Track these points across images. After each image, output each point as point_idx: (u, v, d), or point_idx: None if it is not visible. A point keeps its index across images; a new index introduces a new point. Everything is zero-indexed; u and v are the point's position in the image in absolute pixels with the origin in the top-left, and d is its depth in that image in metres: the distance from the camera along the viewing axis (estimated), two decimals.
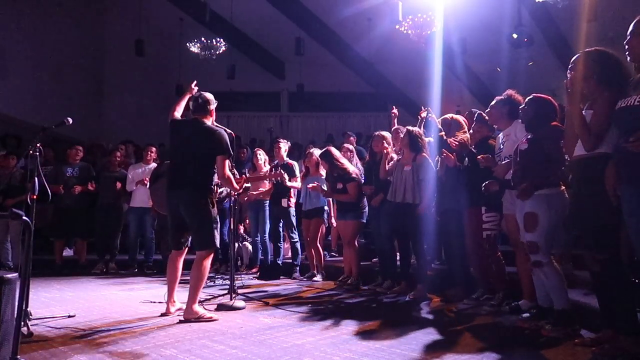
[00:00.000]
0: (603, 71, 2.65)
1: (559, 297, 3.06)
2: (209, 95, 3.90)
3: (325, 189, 5.53)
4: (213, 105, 3.87)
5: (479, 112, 4.39)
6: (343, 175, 5.32)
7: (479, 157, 3.83)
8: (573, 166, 2.87)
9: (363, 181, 5.46)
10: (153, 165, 6.76)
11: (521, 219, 3.24)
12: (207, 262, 3.66)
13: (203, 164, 3.67)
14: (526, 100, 3.36)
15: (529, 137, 3.24)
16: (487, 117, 4.14)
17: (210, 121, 3.84)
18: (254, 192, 6.21)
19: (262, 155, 6.35)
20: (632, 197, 2.38)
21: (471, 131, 4.38)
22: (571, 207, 2.96)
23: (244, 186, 5.92)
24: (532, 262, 3.12)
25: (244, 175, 4.25)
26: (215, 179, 3.78)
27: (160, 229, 6.69)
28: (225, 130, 4.24)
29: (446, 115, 4.69)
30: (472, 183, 4.00)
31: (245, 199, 6.32)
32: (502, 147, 3.84)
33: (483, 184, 3.58)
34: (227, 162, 3.71)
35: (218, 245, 3.73)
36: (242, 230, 7.13)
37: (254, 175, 4.46)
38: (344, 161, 5.48)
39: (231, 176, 3.79)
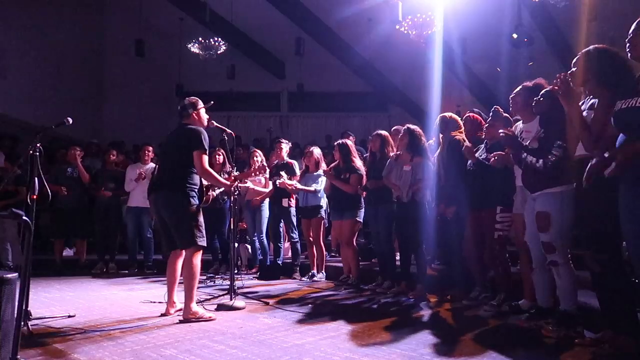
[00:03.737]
0: (602, 71, 2.64)
1: (567, 299, 3.03)
2: (191, 100, 3.90)
3: (322, 186, 5.58)
4: (193, 109, 3.83)
5: (496, 107, 4.14)
6: (351, 167, 5.40)
7: (491, 156, 3.60)
8: (575, 166, 2.86)
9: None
10: (151, 165, 6.75)
11: (530, 218, 3.22)
12: (196, 260, 3.64)
13: (179, 164, 3.67)
14: (542, 92, 3.19)
15: (541, 135, 3.17)
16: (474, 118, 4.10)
17: (194, 123, 3.81)
18: (255, 193, 6.22)
19: (259, 157, 6.34)
20: (634, 198, 2.37)
21: (486, 126, 4.16)
22: None
23: (244, 186, 5.94)
24: (549, 262, 3.07)
25: (232, 176, 4.23)
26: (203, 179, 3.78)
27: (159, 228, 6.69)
28: (225, 130, 4.25)
29: (445, 114, 4.65)
30: (485, 183, 3.94)
31: (250, 199, 6.36)
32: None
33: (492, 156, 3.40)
34: (205, 157, 3.67)
35: (204, 244, 3.69)
36: (244, 226, 7.09)
37: (241, 174, 4.47)
38: (356, 157, 5.57)
39: (212, 170, 3.76)
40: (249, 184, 6.22)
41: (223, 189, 5.76)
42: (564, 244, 3.02)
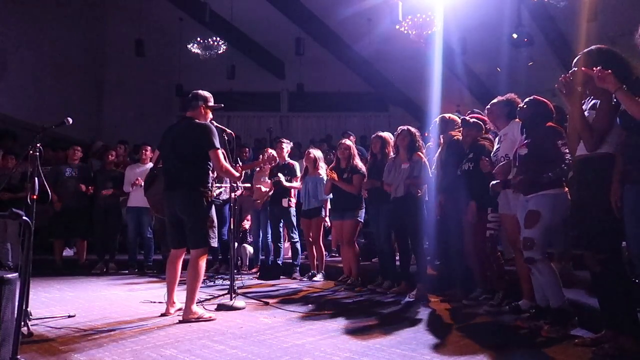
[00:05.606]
0: None
1: (554, 295, 3.07)
2: (203, 93, 3.87)
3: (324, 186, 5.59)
4: (203, 102, 3.81)
5: (462, 117, 4.48)
6: (353, 167, 5.41)
7: (481, 161, 3.84)
8: (575, 166, 2.86)
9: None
10: (150, 165, 6.75)
11: (522, 218, 3.24)
12: (202, 262, 3.65)
13: (195, 161, 3.66)
14: (525, 100, 3.42)
15: (527, 141, 3.25)
16: (476, 118, 4.28)
17: (199, 118, 3.79)
18: (262, 194, 6.25)
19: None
20: (637, 196, 2.36)
21: (460, 136, 4.43)
22: (572, 207, 2.96)
23: (245, 185, 5.94)
24: (525, 259, 3.13)
25: (238, 165, 4.23)
26: (212, 175, 3.78)
27: (160, 228, 6.69)
28: (225, 130, 4.25)
29: (444, 115, 4.71)
30: (477, 185, 4.00)
31: (258, 201, 6.40)
32: (499, 146, 3.87)
33: (490, 185, 3.65)
34: (221, 153, 3.67)
35: (215, 245, 3.70)
36: (247, 226, 7.08)
37: (248, 165, 4.46)
38: (357, 158, 5.59)
39: (229, 167, 3.77)
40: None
41: (222, 189, 5.79)
42: (544, 243, 3.10)
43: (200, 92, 3.87)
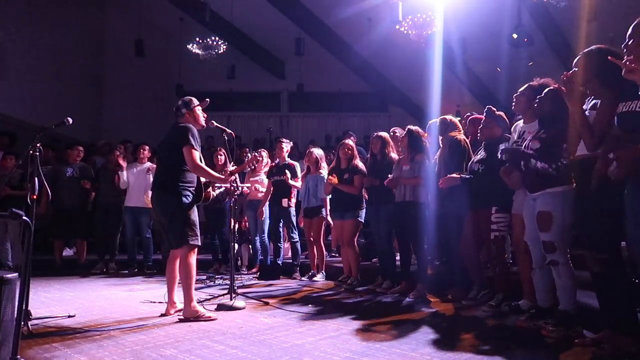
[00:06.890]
0: (604, 71, 2.62)
1: (567, 299, 3.03)
2: (186, 98, 3.91)
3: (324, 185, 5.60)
4: (185, 108, 3.83)
5: (488, 106, 4.17)
6: (354, 168, 5.41)
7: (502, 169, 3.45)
8: (575, 166, 2.85)
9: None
10: (147, 164, 6.77)
11: (530, 218, 3.21)
12: (190, 259, 3.64)
13: (170, 162, 3.70)
14: (546, 91, 3.18)
15: (542, 135, 3.15)
16: (476, 119, 4.12)
17: (189, 123, 3.79)
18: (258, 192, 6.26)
19: (265, 159, 6.37)
20: (637, 197, 2.36)
21: (480, 127, 4.18)
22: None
23: (244, 186, 5.93)
24: (548, 262, 3.06)
25: (227, 170, 4.22)
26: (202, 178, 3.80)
27: (159, 229, 6.69)
28: (225, 130, 4.24)
29: (445, 116, 4.69)
30: (481, 184, 3.96)
31: (252, 199, 6.40)
32: (519, 141, 3.52)
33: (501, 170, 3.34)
34: (195, 152, 3.63)
35: (198, 244, 3.68)
36: (242, 225, 7.09)
37: (236, 168, 4.48)
38: (358, 159, 5.60)
39: (203, 165, 3.74)
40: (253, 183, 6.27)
41: (223, 188, 5.78)
42: (564, 244, 3.04)
43: (182, 99, 3.91)
